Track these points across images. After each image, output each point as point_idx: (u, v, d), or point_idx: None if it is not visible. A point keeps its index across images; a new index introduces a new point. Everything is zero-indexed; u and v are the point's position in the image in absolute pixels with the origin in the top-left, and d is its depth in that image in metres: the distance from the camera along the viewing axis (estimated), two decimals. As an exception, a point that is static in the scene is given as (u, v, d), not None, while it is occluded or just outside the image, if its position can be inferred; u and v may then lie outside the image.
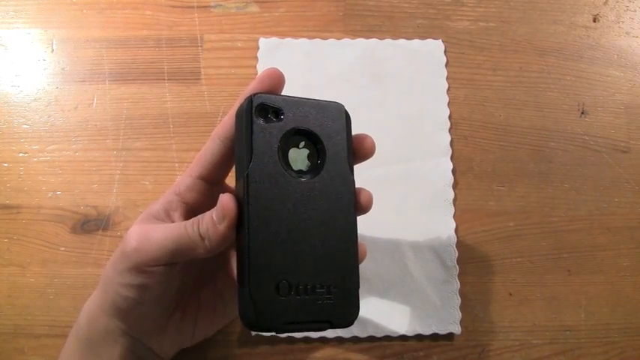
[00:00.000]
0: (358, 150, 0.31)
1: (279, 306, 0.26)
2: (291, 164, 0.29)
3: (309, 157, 0.29)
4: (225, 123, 0.30)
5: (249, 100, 0.28)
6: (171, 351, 0.34)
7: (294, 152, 0.29)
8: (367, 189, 0.31)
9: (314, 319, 0.27)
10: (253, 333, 0.38)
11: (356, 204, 0.30)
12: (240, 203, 0.27)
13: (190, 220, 0.29)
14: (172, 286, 0.31)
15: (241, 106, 0.29)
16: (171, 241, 0.28)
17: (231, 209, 0.27)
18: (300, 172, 0.29)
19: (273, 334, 0.27)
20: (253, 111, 0.28)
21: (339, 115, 0.30)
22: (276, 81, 0.29)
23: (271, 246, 0.27)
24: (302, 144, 0.29)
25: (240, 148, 0.28)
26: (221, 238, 0.27)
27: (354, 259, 0.29)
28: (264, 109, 0.28)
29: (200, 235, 0.28)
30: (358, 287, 0.28)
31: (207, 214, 0.28)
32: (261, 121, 0.28)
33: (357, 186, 0.30)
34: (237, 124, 0.29)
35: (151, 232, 0.29)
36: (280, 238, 0.27)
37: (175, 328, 0.33)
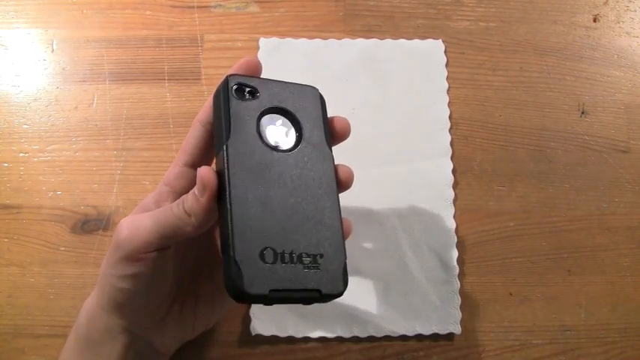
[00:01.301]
0: (332, 130, 0.32)
1: (265, 273, 0.26)
2: (269, 141, 0.29)
3: (286, 134, 0.30)
4: (205, 108, 0.31)
5: (226, 80, 0.29)
6: (172, 346, 0.34)
7: (271, 130, 0.30)
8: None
9: (302, 287, 0.26)
10: (253, 333, 0.38)
11: (337, 179, 0.30)
12: (221, 176, 0.27)
13: (175, 202, 0.29)
14: (167, 275, 0.31)
15: (218, 86, 0.29)
16: (160, 224, 0.29)
17: (210, 179, 0.27)
18: (279, 149, 0.29)
19: (262, 305, 0.26)
20: (230, 90, 0.29)
21: (314, 97, 0.32)
22: (253, 70, 0.31)
23: (253, 213, 0.27)
24: (279, 122, 0.30)
25: (218, 126, 0.29)
26: (205, 211, 0.28)
27: (339, 231, 0.29)
28: (240, 88, 0.29)
29: (186, 212, 0.28)
30: (345, 258, 0.28)
31: (191, 192, 0.29)
32: (237, 99, 0.29)
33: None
34: (215, 104, 0.30)
35: (139, 219, 0.29)
36: (262, 207, 0.27)
37: (175, 322, 0.33)
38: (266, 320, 0.38)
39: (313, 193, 0.29)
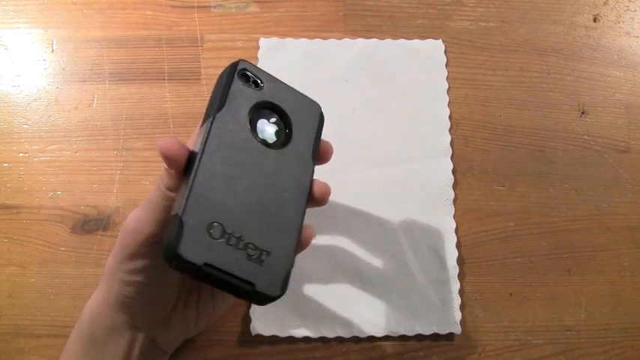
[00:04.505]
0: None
1: (205, 244, 0.25)
2: (257, 132, 0.29)
3: (276, 134, 0.30)
4: None
5: (236, 62, 0.29)
6: (175, 342, 0.35)
7: (262, 123, 0.29)
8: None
9: (237, 274, 0.26)
10: (253, 333, 0.38)
11: (310, 191, 0.30)
12: (198, 145, 0.27)
13: (155, 186, 0.30)
14: None
15: (225, 67, 0.30)
16: (154, 210, 0.29)
17: (174, 147, 0.27)
18: (264, 143, 0.29)
19: (195, 274, 0.25)
20: (236, 72, 0.29)
21: (314, 112, 0.31)
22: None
23: (215, 186, 0.26)
24: (272, 119, 0.30)
25: (213, 100, 0.29)
26: (177, 182, 0.28)
27: (294, 239, 0.28)
28: (245, 74, 0.29)
29: (166, 190, 0.28)
30: (291, 267, 0.28)
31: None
32: (240, 82, 0.29)
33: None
34: (218, 81, 0.30)
35: (140, 210, 0.30)
36: (226, 185, 0.27)
37: (179, 318, 0.34)
38: (266, 320, 0.38)
39: (282, 195, 0.28)
